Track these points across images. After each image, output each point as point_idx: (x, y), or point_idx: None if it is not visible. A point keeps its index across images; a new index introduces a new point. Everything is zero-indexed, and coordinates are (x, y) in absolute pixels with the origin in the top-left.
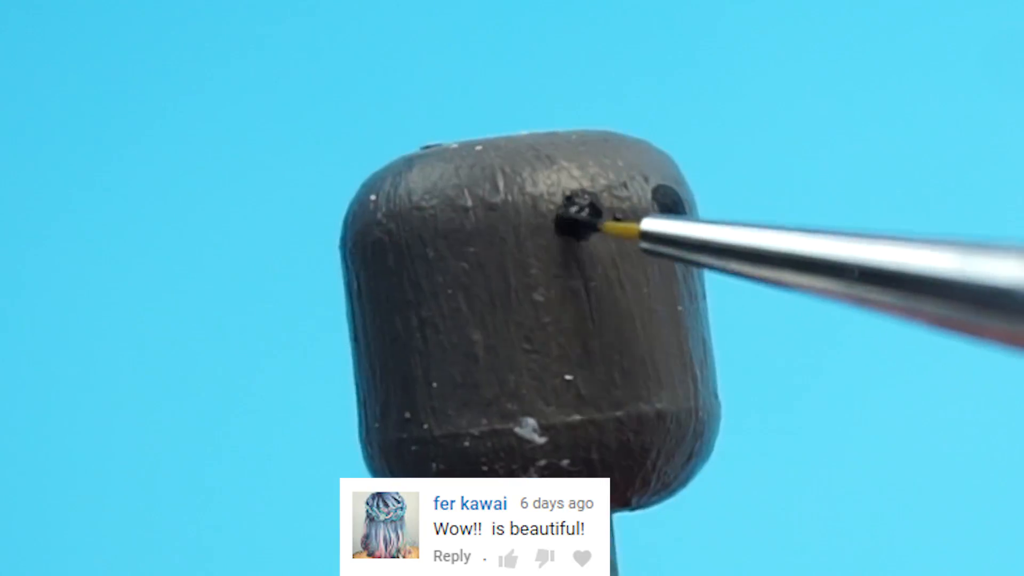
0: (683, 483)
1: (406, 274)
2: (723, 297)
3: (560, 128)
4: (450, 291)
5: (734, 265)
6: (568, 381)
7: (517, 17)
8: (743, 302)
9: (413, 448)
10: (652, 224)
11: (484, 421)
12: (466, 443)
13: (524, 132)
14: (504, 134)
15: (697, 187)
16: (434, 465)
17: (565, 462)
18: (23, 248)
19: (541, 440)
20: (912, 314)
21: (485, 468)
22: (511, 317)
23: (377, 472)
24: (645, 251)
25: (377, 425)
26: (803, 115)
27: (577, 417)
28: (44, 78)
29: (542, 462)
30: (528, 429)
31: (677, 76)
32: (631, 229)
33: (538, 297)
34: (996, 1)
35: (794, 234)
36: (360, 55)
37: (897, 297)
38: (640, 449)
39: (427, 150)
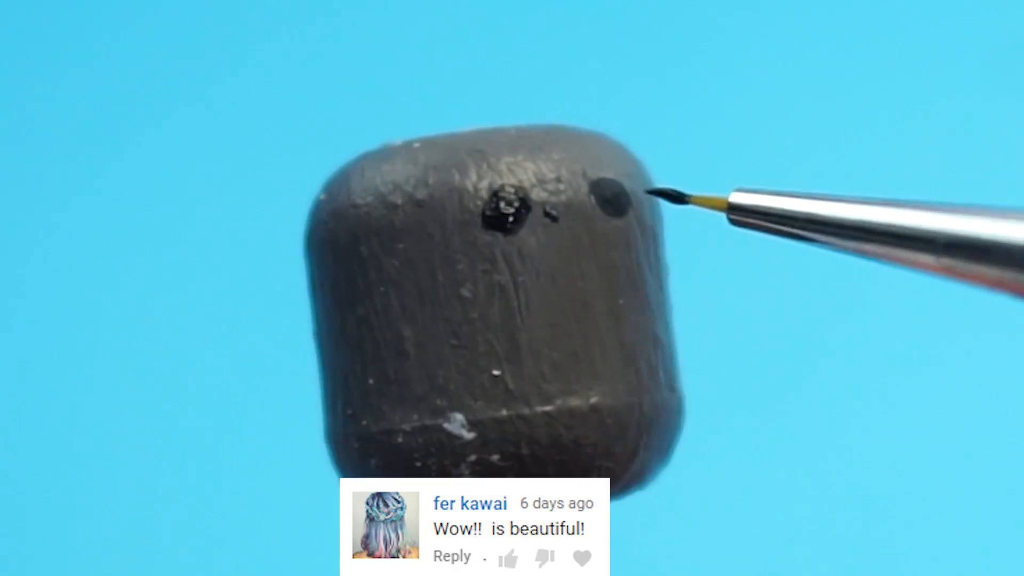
0: (636, 479)
1: (344, 272)
2: (724, 296)
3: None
4: (382, 288)
5: (820, 236)
6: (496, 376)
7: (507, 11)
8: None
9: (355, 444)
10: (740, 197)
11: (415, 417)
12: (399, 439)
13: (469, 128)
14: (447, 131)
15: (704, 179)
16: (372, 461)
17: (495, 457)
18: (16, 248)
19: (470, 436)
20: (1000, 285)
21: (418, 464)
22: (439, 313)
23: (336, 466)
24: (733, 223)
25: (329, 419)
26: (799, 115)
27: (504, 412)
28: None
29: (472, 457)
30: (456, 425)
31: (670, 70)
32: (719, 202)
33: (465, 293)
34: (998, 2)
35: (879, 206)
36: (346, 51)
37: (985, 268)
38: (573, 444)
39: (380, 148)
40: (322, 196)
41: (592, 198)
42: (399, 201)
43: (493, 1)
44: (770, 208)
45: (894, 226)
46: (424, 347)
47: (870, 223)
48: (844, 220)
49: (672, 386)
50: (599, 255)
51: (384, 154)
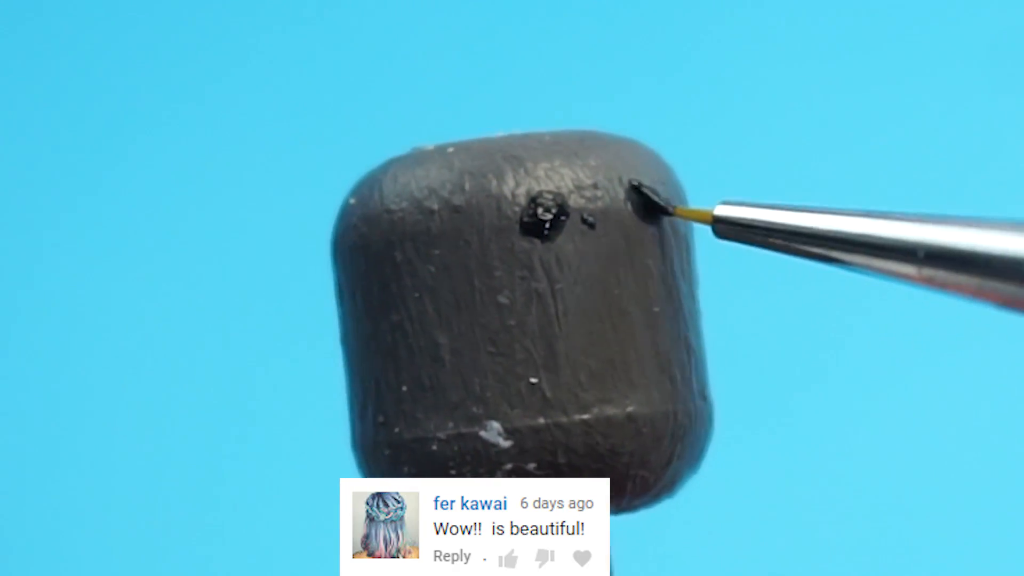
0: (668, 487)
1: (376, 278)
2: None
3: (550, 127)
4: (417, 294)
5: (804, 248)
6: (533, 384)
7: (516, 14)
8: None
9: (386, 452)
10: (725, 210)
11: (450, 424)
12: (434, 447)
13: (501, 133)
14: (481, 136)
15: (701, 187)
16: (405, 468)
17: (531, 466)
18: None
19: (506, 444)
20: (980, 294)
21: (453, 472)
22: (476, 320)
23: (364, 473)
24: (718, 236)
25: (359, 427)
26: (799, 116)
27: (542, 420)
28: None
29: (508, 466)
30: (493, 433)
31: (678, 75)
32: (704, 215)
33: (503, 300)
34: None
35: (861, 218)
36: (358, 55)
37: (965, 277)
38: (610, 452)
39: (411, 152)
40: (351, 200)
41: (629, 205)
42: (435, 207)
43: (495, 8)
44: (754, 220)
45: (876, 237)
46: (460, 354)
47: (852, 235)
48: (827, 232)
49: (704, 394)
50: (635, 262)
51: (417, 159)
